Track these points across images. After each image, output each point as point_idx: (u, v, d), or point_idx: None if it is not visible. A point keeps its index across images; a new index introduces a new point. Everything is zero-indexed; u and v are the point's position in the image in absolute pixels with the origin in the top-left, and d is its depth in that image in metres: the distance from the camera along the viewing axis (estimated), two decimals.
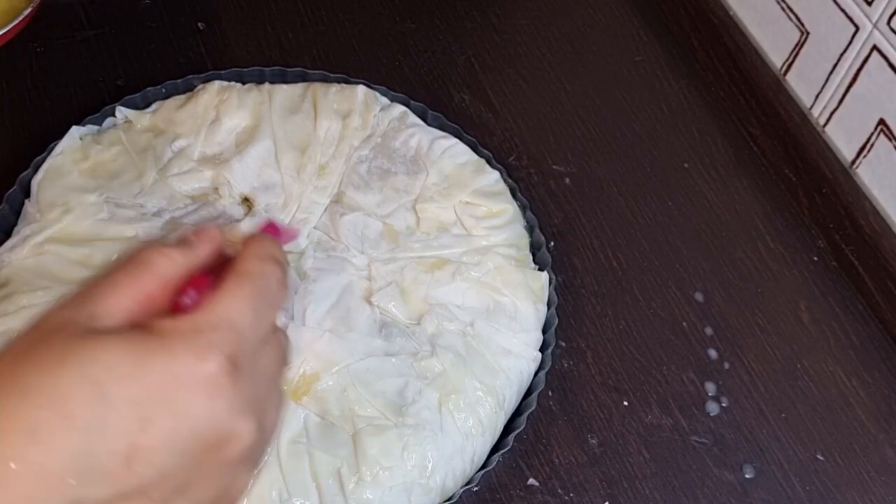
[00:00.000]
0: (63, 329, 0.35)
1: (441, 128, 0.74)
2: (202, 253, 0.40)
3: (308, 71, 0.75)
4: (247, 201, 0.68)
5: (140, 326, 0.36)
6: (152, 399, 0.34)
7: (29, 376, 0.33)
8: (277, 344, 0.40)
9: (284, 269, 0.41)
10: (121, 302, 0.37)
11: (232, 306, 0.37)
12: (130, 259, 0.38)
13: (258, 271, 0.39)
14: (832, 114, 0.74)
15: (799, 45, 0.75)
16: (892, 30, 0.66)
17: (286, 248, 0.64)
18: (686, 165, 0.78)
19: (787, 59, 0.77)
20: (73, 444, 0.32)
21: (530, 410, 0.63)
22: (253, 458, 0.38)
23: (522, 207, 0.71)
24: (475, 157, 0.72)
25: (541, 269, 0.69)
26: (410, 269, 0.65)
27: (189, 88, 0.74)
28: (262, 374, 0.38)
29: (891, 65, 0.67)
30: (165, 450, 0.34)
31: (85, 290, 0.37)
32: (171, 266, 0.39)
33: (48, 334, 0.35)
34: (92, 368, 0.33)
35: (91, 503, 0.33)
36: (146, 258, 0.38)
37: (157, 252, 0.39)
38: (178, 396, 0.34)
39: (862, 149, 0.72)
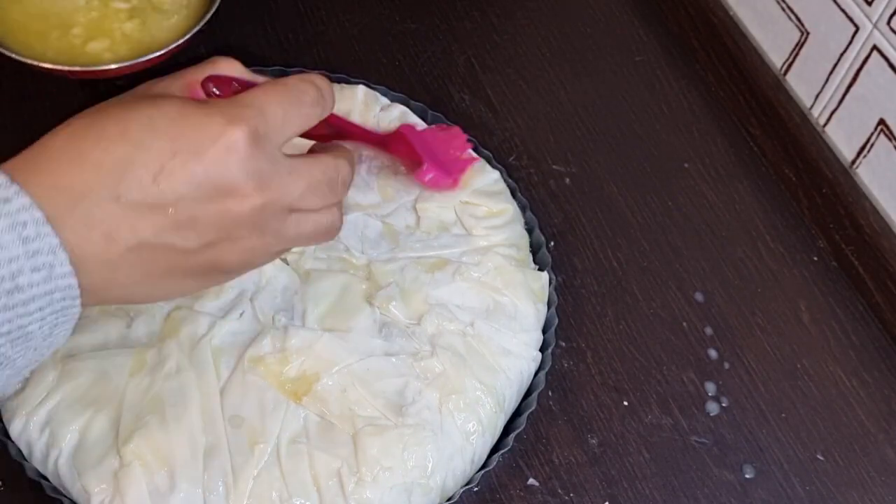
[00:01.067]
0: (135, 94, 0.48)
1: None
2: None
3: (308, 71, 0.75)
4: None
5: (192, 98, 0.47)
6: (185, 140, 0.44)
7: (105, 114, 0.45)
8: (306, 166, 0.48)
9: (324, 96, 0.49)
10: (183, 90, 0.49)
11: (263, 98, 0.47)
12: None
13: (294, 84, 0.48)
14: (832, 114, 0.74)
15: (799, 45, 0.75)
16: (892, 30, 0.66)
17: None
18: (686, 165, 0.78)
19: (787, 59, 0.77)
20: (122, 151, 0.43)
21: (530, 410, 0.63)
22: (251, 225, 0.46)
23: (522, 207, 0.71)
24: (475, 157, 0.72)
25: (541, 269, 0.69)
26: (410, 269, 0.65)
27: None
28: (281, 163, 0.46)
29: (891, 65, 0.67)
30: (183, 179, 0.44)
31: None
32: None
33: (125, 97, 0.48)
34: (147, 109, 0.45)
35: (125, 202, 0.43)
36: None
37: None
38: (204, 145, 0.44)
39: (862, 149, 0.72)
